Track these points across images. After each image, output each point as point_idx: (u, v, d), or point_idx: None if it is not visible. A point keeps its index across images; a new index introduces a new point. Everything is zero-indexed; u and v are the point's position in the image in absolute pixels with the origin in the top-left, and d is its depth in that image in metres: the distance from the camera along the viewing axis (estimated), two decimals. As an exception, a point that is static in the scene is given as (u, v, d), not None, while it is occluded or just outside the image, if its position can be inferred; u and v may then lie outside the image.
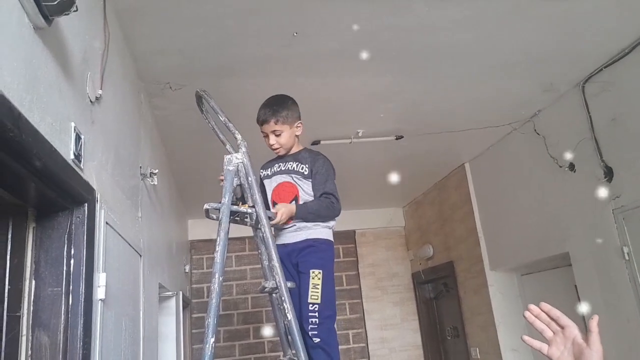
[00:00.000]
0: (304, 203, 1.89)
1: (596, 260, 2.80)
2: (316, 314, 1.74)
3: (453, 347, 4.57)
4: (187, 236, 5.05)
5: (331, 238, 1.96)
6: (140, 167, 2.29)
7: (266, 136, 1.95)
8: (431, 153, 3.93)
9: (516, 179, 3.53)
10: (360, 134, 3.37)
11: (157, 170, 2.48)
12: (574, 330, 0.83)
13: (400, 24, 2.17)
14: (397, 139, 3.51)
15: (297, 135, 1.99)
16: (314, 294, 1.77)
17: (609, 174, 2.68)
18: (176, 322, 3.50)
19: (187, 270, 4.67)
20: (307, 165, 1.95)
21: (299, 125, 1.98)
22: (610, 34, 2.39)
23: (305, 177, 1.93)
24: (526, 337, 0.89)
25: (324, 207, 1.88)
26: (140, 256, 2.11)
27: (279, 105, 1.93)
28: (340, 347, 5.11)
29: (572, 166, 2.95)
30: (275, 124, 1.91)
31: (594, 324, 0.81)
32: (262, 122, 1.93)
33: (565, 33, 2.34)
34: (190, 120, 2.75)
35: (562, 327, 0.85)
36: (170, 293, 3.31)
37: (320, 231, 1.91)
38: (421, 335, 5.17)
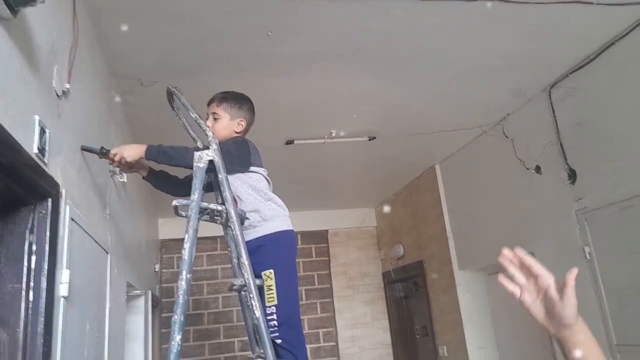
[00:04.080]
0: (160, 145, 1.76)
1: (559, 259, 2.88)
2: (274, 316, 1.70)
3: (422, 345, 4.64)
4: (158, 235, 4.98)
5: (283, 228, 1.87)
6: (110, 163, 2.25)
7: (206, 118, 1.91)
8: (403, 155, 3.98)
9: (485, 181, 3.61)
10: (334, 135, 3.39)
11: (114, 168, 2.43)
12: (547, 279, 0.77)
13: (376, 27, 2.19)
14: (370, 139, 3.55)
15: (236, 132, 1.94)
16: (269, 297, 1.72)
17: (572, 176, 2.76)
18: (144, 322, 3.45)
19: (157, 269, 4.61)
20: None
21: (241, 122, 1.94)
22: (576, 41, 2.47)
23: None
24: (501, 278, 0.83)
25: (181, 150, 1.73)
26: (108, 254, 2.07)
27: (232, 96, 1.94)
28: (310, 345, 5.16)
29: (538, 168, 3.03)
30: (217, 107, 1.90)
31: (571, 277, 0.76)
32: (209, 101, 1.93)
33: (534, 40, 2.41)
34: (162, 117, 2.71)
35: (535, 276, 0.79)
36: (139, 292, 3.26)
37: (267, 226, 1.84)
38: (391, 334, 5.24)
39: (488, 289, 3.92)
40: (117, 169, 2.27)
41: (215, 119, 1.91)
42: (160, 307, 4.67)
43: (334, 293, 5.36)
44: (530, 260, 0.79)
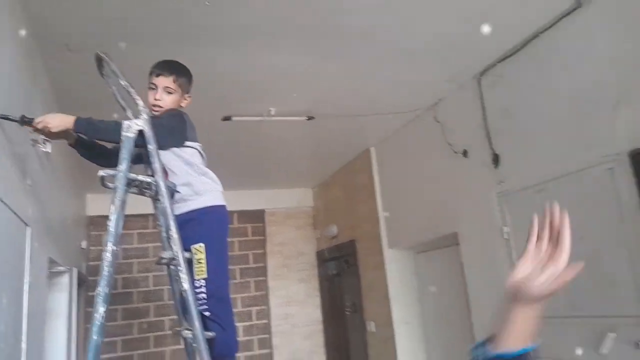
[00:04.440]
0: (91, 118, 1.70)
1: (480, 239, 3.07)
2: (203, 289, 1.71)
3: (351, 321, 4.79)
4: (86, 211, 4.78)
5: (216, 202, 1.86)
6: (31, 132, 2.13)
7: (153, 89, 1.84)
8: (340, 136, 4.04)
9: (415, 164, 3.75)
10: (272, 112, 3.38)
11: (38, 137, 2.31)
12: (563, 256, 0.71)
13: (313, 4, 2.19)
14: (308, 119, 3.57)
15: (181, 106, 1.91)
16: (199, 270, 1.72)
17: (496, 160, 2.93)
18: (69, 300, 3.32)
19: (84, 247, 4.43)
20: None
21: (188, 98, 1.92)
22: (505, 30, 2.59)
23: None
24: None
25: (112, 124, 1.64)
26: (27, 226, 1.97)
27: (181, 69, 1.88)
28: (243, 323, 5.17)
29: (465, 152, 3.18)
30: (173, 82, 1.84)
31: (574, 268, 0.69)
32: (158, 73, 1.83)
33: (466, 27, 2.50)
34: (90, 85, 2.58)
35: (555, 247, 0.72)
36: (63, 268, 3.13)
37: (199, 200, 1.82)
38: (322, 311, 5.36)
39: (415, 266, 4.10)
40: (40, 138, 2.16)
41: (169, 93, 1.84)
42: (87, 285, 4.51)
43: (269, 272, 5.40)
44: (566, 231, 0.74)
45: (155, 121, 1.74)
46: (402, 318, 3.95)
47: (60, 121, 1.68)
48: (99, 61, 1.82)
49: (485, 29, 2.48)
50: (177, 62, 1.91)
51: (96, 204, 4.75)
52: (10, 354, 1.69)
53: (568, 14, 2.40)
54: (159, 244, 5.00)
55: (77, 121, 1.66)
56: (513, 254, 2.79)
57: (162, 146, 1.75)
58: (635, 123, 2.11)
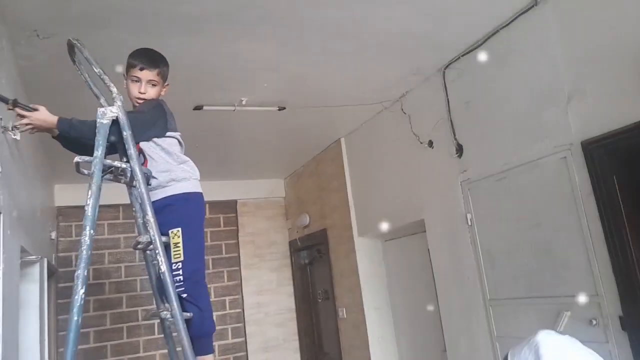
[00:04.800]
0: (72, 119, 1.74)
1: (445, 226, 3.20)
2: (180, 271, 1.77)
3: (323, 308, 4.90)
4: (54, 202, 4.72)
5: (193, 190, 1.92)
6: (1, 118, 2.13)
7: (137, 81, 1.88)
8: (311, 127, 4.12)
9: (384, 154, 3.86)
10: (244, 102, 3.42)
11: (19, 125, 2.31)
12: None
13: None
14: (279, 109, 3.63)
15: (160, 94, 1.96)
16: (176, 253, 1.78)
17: (459, 150, 3.06)
18: (40, 290, 3.31)
19: (53, 237, 4.39)
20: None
21: (167, 87, 1.98)
22: (467, 26, 2.72)
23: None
24: None
25: (93, 124, 1.68)
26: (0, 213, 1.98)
27: (162, 60, 1.93)
28: (216, 312, 5.22)
29: (430, 143, 3.31)
30: (157, 75, 1.89)
31: None
32: (142, 67, 1.87)
33: (432, 20, 2.60)
34: (60, 73, 2.58)
35: None
36: (34, 258, 3.12)
37: (177, 187, 1.88)
38: (295, 299, 5.45)
39: (384, 254, 4.23)
40: (11, 125, 2.17)
41: (153, 85, 1.89)
42: (57, 276, 4.47)
43: (242, 261, 5.45)
44: None
45: (137, 115, 1.79)
46: (372, 304, 4.08)
47: (43, 122, 1.72)
48: (71, 48, 1.84)
49: (449, 24, 2.59)
50: (157, 52, 1.95)
51: (64, 195, 4.70)
52: (-13, 339, 1.71)
53: (525, 11, 2.53)
54: (130, 234, 5.03)
55: (60, 122, 1.70)
56: (476, 239, 2.93)
57: (144, 138, 1.80)
58: (587, 115, 2.26)
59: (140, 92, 1.88)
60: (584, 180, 2.27)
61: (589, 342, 2.20)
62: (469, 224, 2.98)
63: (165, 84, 1.97)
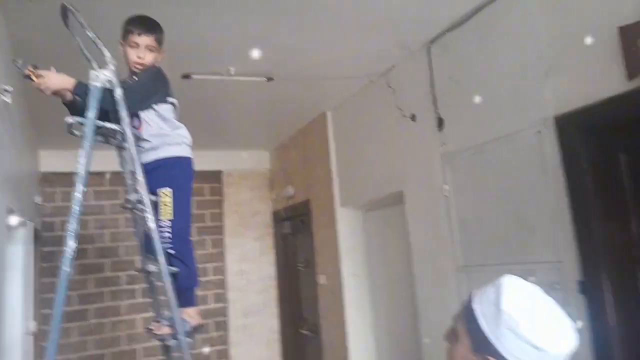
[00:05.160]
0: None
1: (423, 197, 3.32)
2: (169, 229, 1.87)
3: (304, 276, 5.05)
4: (39, 167, 4.74)
5: (185, 154, 2.01)
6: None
7: (135, 46, 1.94)
8: (298, 99, 4.17)
9: (368, 127, 3.95)
10: (232, 72, 3.46)
11: (11, 88, 2.34)
12: None
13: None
14: (268, 80, 3.67)
15: (158, 61, 2.02)
16: (166, 212, 1.87)
17: (440, 124, 3.16)
18: (25, 252, 3.38)
19: (38, 202, 4.42)
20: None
21: (163, 52, 2.04)
22: (453, 2, 2.77)
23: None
24: None
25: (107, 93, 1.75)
26: (-10, 172, 2.03)
27: (159, 26, 1.99)
28: (199, 279, 5.31)
29: (413, 116, 3.40)
30: (154, 41, 1.95)
31: None
32: (140, 33, 1.93)
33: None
34: (51, 38, 2.59)
35: None
36: (21, 219, 3.17)
37: (170, 150, 1.97)
38: (277, 267, 5.60)
39: (365, 224, 4.36)
40: (2, 87, 2.20)
41: (150, 51, 1.94)
42: (42, 241, 4.52)
43: (225, 231, 5.55)
44: None
45: (139, 86, 1.87)
46: (351, 271, 4.22)
47: (61, 81, 1.76)
48: (64, 12, 1.88)
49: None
50: (153, 19, 2.01)
51: (49, 160, 4.71)
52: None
53: (508, -12, 2.61)
54: (116, 200, 5.07)
55: (78, 85, 1.75)
56: (452, 209, 3.06)
57: (145, 107, 1.87)
58: (561, 91, 2.37)
59: (138, 57, 1.93)
60: (555, 153, 2.39)
61: (551, 305, 2.39)
62: (446, 195, 3.10)
63: (162, 50, 2.02)
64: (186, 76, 3.44)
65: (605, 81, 2.14)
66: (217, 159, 5.52)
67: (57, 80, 1.75)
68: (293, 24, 2.88)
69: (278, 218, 5.59)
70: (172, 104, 2.01)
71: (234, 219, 5.60)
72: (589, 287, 2.24)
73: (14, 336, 3.16)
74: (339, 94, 4.14)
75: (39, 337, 3.85)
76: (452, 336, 1.07)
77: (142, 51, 1.94)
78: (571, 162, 2.29)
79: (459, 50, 3.02)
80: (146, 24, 1.96)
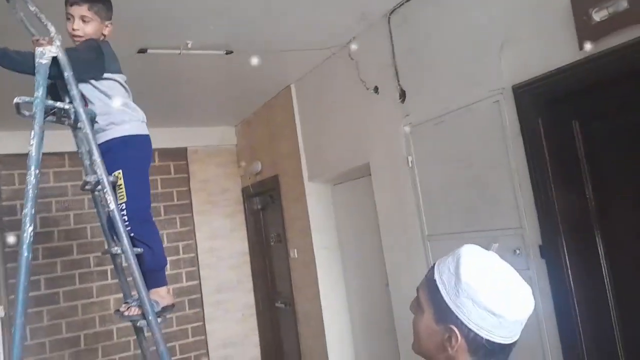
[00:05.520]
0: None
1: (389, 168, 3.36)
2: (124, 211, 1.83)
3: (276, 251, 5.08)
4: (-6, 150, 4.56)
5: (134, 132, 1.94)
6: None
7: (70, 18, 1.86)
8: (261, 72, 4.08)
9: (333, 100, 3.93)
10: (189, 45, 3.36)
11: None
12: None
13: None
14: (227, 54, 3.59)
15: (104, 35, 1.93)
16: (120, 195, 1.83)
17: (403, 96, 3.17)
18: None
19: (-5, 186, 4.27)
20: None
21: (109, 25, 1.94)
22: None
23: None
24: None
25: (28, 55, 1.69)
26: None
27: None
28: (170, 257, 5.29)
29: (376, 89, 3.40)
30: (88, 10, 1.85)
31: None
32: (72, 2, 1.84)
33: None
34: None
35: None
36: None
37: (116, 130, 1.91)
38: (248, 243, 5.60)
39: (333, 197, 4.39)
40: None
41: (85, 22, 1.84)
42: (2, 225, 4.39)
43: (194, 208, 5.50)
44: None
45: (72, 53, 1.76)
46: (322, 244, 4.27)
47: None
48: (5, -14, 1.78)
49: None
50: None
51: (4, 142, 4.52)
52: None
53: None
54: (77, 182, 4.93)
55: None
56: (417, 180, 3.10)
57: (80, 79, 1.78)
58: (518, 61, 2.40)
59: (73, 29, 1.84)
60: (513, 122, 2.44)
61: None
62: (410, 166, 3.14)
63: (107, 22, 1.93)
64: (142, 51, 3.32)
65: (559, 51, 2.18)
66: (181, 135, 5.42)
67: None
68: (252, -4, 2.81)
69: (247, 194, 5.56)
70: (116, 80, 1.91)
71: (202, 197, 5.55)
72: (548, 252, 2.33)
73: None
74: (302, 67, 4.10)
75: (8, 322, 3.78)
76: (416, 307, 1.09)
77: (76, 22, 1.84)
78: (529, 130, 2.35)
79: (417, 21, 3.02)
80: None
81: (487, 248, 2.66)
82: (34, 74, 1.67)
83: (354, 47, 3.60)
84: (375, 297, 3.92)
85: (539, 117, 2.31)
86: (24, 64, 1.68)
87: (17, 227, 4.46)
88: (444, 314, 1.00)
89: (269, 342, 5.41)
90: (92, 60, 1.83)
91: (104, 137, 1.89)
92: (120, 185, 1.83)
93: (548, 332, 2.33)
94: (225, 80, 4.23)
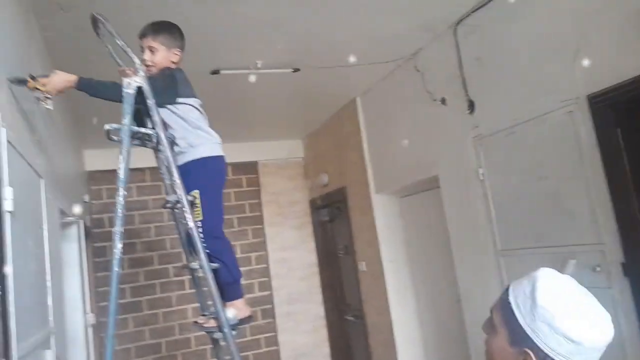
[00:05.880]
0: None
1: (458, 181, 3.30)
2: (201, 229, 1.93)
3: (344, 262, 5.11)
4: (84, 166, 4.97)
5: (209, 154, 2.05)
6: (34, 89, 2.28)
7: (142, 51, 2.02)
8: (326, 87, 4.18)
9: (399, 112, 3.93)
10: (259, 65, 3.51)
11: (51, 95, 2.46)
12: None
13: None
14: (294, 71, 3.71)
15: (173, 62, 2.06)
16: (196, 213, 1.94)
17: (471, 107, 3.11)
18: (79, 249, 3.57)
19: (86, 200, 4.64)
20: None
21: (177, 52, 2.07)
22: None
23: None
24: None
25: (109, 84, 1.85)
26: (41, 178, 2.17)
27: (161, 26, 2.04)
28: (243, 268, 5.49)
29: (443, 100, 3.36)
30: (153, 41, 2.00)
31: None
32: (141, 35, 2.01)
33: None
34: (85, 43, 2.70)
35: None
36: (72, 219, 3.36)
37: (194, 152, 2.02)
38: (317, 254, 5.68)
39: (400, 209, 4.37)
40: (42, 95, 2.32)
41: (152, 52, 2.00)
42: (92, 237, 4.76)
43: (265, 220, 5.67)
44: None
45: (149, 81, 1.91)
46: (390, 257, 4.25)
47: (64, 81, 1.85)
48: (95, 22, 1.96)
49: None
50: (158, 21, 2.06)
51: (94, 159, 4.93)
52: (40, 289, 1.93)
53: (535, -35, 2.53)
54: (158, 196, 5.25)
55: (80, 81, 1.84)
56: (488, 193, 3.03)
57: (157, 104, 1.93)
58: (592, 69, 2.30)
59: (144, 60, 2.00)
60: (589, 133, 2.33)
61: (592, 287, 2.33)
62: (481, 178, 3.07)
63: (175, 50, 2.06)
64: (215, 72, 3.51)
65: (637, 57, 2.06)
66: (252, 150, 5.62)
67: (59, 80, 1.84)
68: (317, 10, 2.86)
69: (315, 206, 5.66)
70: (191, 105, 2.04)
71: (272, 209, 5.71)
72: (632, 269, 2.19)
73: (76, 328, 3.37)
74: (367, 80, 4.13)
75: (98, 328, 4.08)
76: (489, 327, 1.08)
77: (146, 53, 2.01)
78: (606, 141, 2.23)
79: (485, 30, 2.96)
80: (145, 27, 2.02)
81: (564, 264, 2.55)
82: (118, 101, 1.84)
83: (419, 58, 3.58)
84: (446, 312, 3.84)
85: (617, 127, 2.19)
86: (109, 92, 1.85)
87: (105, 239, 4.87)
88: (519, 337, 0.98)
89: (340, 353, 5.44)
90: (166, 86, 1.98)
91: (182, 159, 2.03)
92: (197, 204, 1.95)
93: (633, 354, 2.19)
94: (293, 95, 4.36)
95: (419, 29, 3.24)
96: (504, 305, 1.04)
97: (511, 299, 1.02)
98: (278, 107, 4.66)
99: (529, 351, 0.96)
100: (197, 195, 1.96)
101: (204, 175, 2.02)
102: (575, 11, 2.35)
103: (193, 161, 2.02)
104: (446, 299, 3.78)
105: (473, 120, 3.11)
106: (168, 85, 1.97)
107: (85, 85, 1.85)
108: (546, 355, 0.95)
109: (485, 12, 2.92)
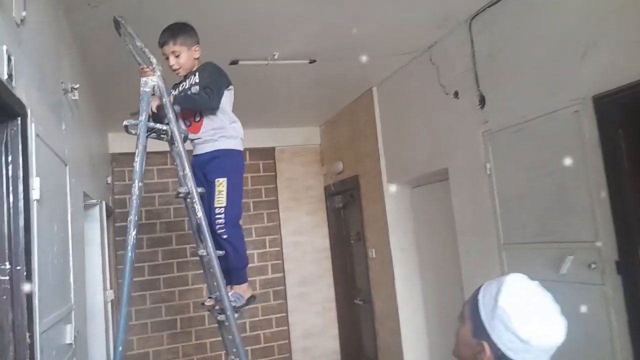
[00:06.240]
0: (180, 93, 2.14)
1: (467, 174, 3.36)
2: (222, 215, 2.08)
3: (355, 248, 5.23)
4: (108, 149, 5.16)
5: (238, 147, 2.21)
6: (62, 82, 2.43)
7: (167, 58, 2.15)
8: (343, 77, 4.25)
9: (413, 103, 3.98)
10: (276, 56, 3.60)
11: (77, 85, 2.61)
12: None
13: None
14: (310, 62, 3.78)
15: (196, 58, 2.20)
16: (220, 199, 2.09)
17: (482, 101, 3.16)
18: (101, 228, 3.76)
19: (109, 182, 4.84)
20: (197, 74, 2.17)
21: (197, 49, 2.20)
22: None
23: (199, 84, 2.14)
24: None
25: (198, 97, 2.08)
26: (66, 165, 2.32)
27: (177, 30, 2.16)
28: (257, 250, 5.65)
29: (456, 94, 3.41)
30: (174, 45, 2.13)
31: None
32: (162, 44, 2.14)
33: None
34: (109, 35, 2.82)
35: None
36: (95, 201, 3.54)
37: (226, 142, 2.17)
38: (330, 240, 5.82)
39: (411, 200, 4.45)
40: (70, 86, 2.47)
41: (176, 56, 2.13)
42: (114, 217, 4.97)
43: (280, 204, 5.81)
44: None
45: (206, 90, 2.05)
46: (399, 245, 4.35)
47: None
48: (117, 24, 2.09)
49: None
50: (170, 26, 2.17)
51: (117, 142, 5.12)
52: (63, 269, 2.10)
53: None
54: (177, 179, 5.39)
55: (175, 98, 2.07)
56: (494, 187, 3.09)
57: (213, 107, 2.10)
58: (599, 70, 2.33)
59: (171, 66, 2.14)
60: (592, 132, 2.37)
61: (587, 283, 2.42)
62: (488, 173, 3.12)
63: (195, 47, 2.18)
64: (234, 62, 3.61)
65: (641, 60, 2.09)
66: (270, 136, 5.74)
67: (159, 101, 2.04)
68: (335, 3, 2.91)
69: (329, 193, 5.77)
70: (230, 90, 2.20)
71: (287, 194, 5.85)
72: (625, 268, 2.25)
73: (96, 304, 3.58)
74: (384, 70, 4.18)
75: (117, 304, 4.31)
76: (461, 318, 1.21)
77: (171, 59, 2.15)
78: (608, 141, 2.27)
79: (499, 26, 2.99)
80: (163, 35, 2.15)
81: (562, 260, 2.62)
82: (207, 108, 2.10)
83: (434, 51, 3.62)
84: (450, 299, 3.93)
85: (619, 128, 2.23)
86: (195, 103, 2.08)
87: (126, 218, 5.04)
88: (480, 331, 1.11)
89: (347, 335, 5.60)
90: (223, 77, 2.16)
91: (212, 147, 2.17)
92: (222, 191, 2.09)
93: (622, 349, 2.26)
94: (310, 85, 4.44)
95: (435, 22, 3.27)
96: (473, 302, 1.16)
97: (480, 297, 1.14)
98: (296, 95, 4.75)
99: (486, 344, 1.10)
100: (224, 183, 2.10)
101: (232, 164, 2.17)
102: (588, 10, 2.37)
103: (223, 150, 2.16)
104: (451, 288, 3.87)
105: (483, 115, 3.15)
106: (224, 75, 2.17)
107: (179, 100, 2.09)
108: (498, 349, 1.08)
109: (498, 8, 2.95)
